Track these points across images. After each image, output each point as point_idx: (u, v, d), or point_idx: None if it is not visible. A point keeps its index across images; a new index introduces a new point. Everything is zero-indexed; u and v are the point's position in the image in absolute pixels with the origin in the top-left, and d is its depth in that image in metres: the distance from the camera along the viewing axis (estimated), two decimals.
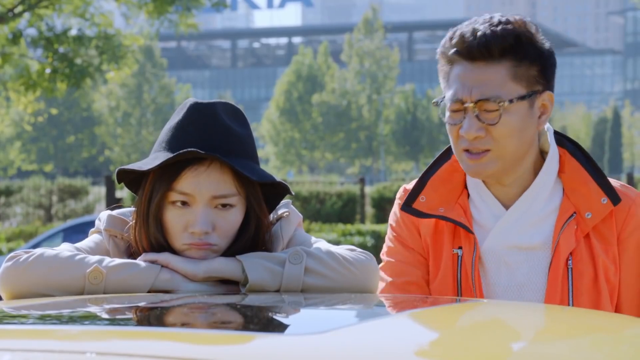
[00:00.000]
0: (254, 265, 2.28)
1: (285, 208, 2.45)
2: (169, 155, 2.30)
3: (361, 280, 2.33)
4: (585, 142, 78.84)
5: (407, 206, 2.69)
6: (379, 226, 20.84)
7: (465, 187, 2.69)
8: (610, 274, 2.58)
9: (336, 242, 17.70)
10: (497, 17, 2.52)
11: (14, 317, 1.99)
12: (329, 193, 23.60)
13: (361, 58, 67.56)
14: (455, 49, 2.52)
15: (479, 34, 2.49)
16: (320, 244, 2.40)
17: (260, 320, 1.96)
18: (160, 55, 69.68)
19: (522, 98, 2.51)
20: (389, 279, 2.72)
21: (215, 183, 2.31)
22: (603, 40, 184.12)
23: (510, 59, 2.50)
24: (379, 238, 19.91)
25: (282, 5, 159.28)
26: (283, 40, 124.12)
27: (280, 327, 1.89)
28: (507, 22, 2.51)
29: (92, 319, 2.00)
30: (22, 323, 1.92)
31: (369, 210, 23.80)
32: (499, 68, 2.50)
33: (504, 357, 1.61)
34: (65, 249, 2.35)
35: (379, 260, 2.71)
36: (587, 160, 2.64)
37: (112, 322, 1.95)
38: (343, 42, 72.70)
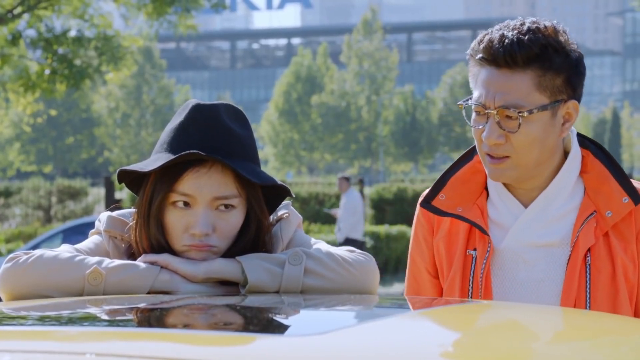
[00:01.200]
0: (254, 267, 2.28)
1: (285, 209, 2.45)
2: (171, 156, 2.30)
3: (361, 281, 2.33)
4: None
5: (427, 203, 2.71)
6: (377, 227, 20.85)
7: (485, 188, 2.72)
8: (629, 272, 2.61)
9: (335, 244, 17.69)
10: (527, 24, 2.53)
11: (13, 318, 1.98)
12: (328, 194, 23.61)
13: (360, 59, 67.56)
14: (481, 55, 2.54)
15: (506, 41, 2.50)
16: (320, 245, 2.40)
17: (260, 322, 1.96)
18: (159, 56, 69.69)
19: (544, 108, 2.53)
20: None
21: (217, 184, 2.31)
22: (602, 41, 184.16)
23: (535, 68, 2.51)
24: (378, 239, 19.91)
25: (281, 6, 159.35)
26: (282, 42, 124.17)
27: (280, 328, 1.89)
28: (537, 30, 2.52)
29: (91, 320, 2.00)
30: (22, 324, 1.92)
31: (368, 211, 23.80)
32: (523, 77, 2.51)
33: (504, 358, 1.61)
34: (64, 250, 2.35)
35: (378, 262, 2.73)
36: (609, 161, 2.67)
37: (112, 323, 1.95)
38: (342, 43, 72.68)
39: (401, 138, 69.36)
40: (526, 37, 2.50)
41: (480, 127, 2.56)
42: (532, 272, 2.63)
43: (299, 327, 1.90)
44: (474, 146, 2.70)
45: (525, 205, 2.65)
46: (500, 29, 2.54)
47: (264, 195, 2.39)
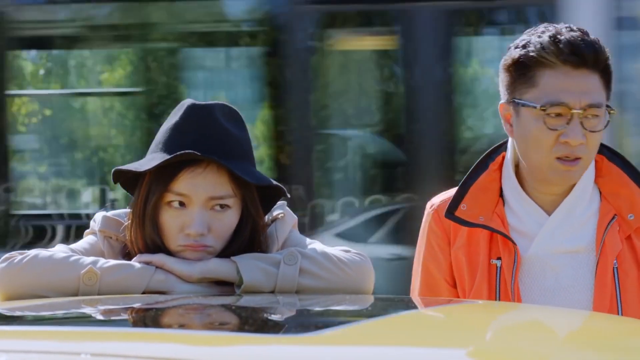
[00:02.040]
0: (249, 266, 2.27)
1: (281, 209, 2.45)
2: (166, 156, 2.29)
3: (356, 281, 2.33)
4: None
5: (451, 214, 2.69)
6: None
7: (500, 195, 2.71)
8: None
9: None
10: (577, 28, 2.58)
11: (8, 318, 1.98)
12: None
13: None
14: (565, 55, 2.53)
15: (587, 40, 2.54)
16: (316, 245, 2.40)
17: (255, 322, 1.96)
18: None
19: (610, 108, 2.58)
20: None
21: (212, 185, 2.31)
22: None
23: (602, 70, 2.56)
24: None
25: None
26: None
27: (275, 328, 1.89)
28: (587, 33, 2.57)
29: (86, 320, 2.00)
30: (17, 324, 1.92)
31: None
32: (597, 77, 2.55)
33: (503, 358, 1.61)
34: (59, 250, 2.35)
35: (373, 261, 2.72)
36: (625, 165, 2.69)
37: (107, 323, 1.95)
38: None
39: None
40: (592, 38, 2.55)
41: (559, 129, 2.54)
42: (559, 279, 2.64)
43: (294, 327, 1.90)
44: (487, 154, 2.70)
45: (547, 212, 2.65)
46: (570, 30, 2.55)
47: (259, 195, 2.38)
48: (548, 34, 2.55)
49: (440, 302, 2.44)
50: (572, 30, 2.56)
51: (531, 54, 2.55)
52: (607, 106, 2.57)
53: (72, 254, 2.31)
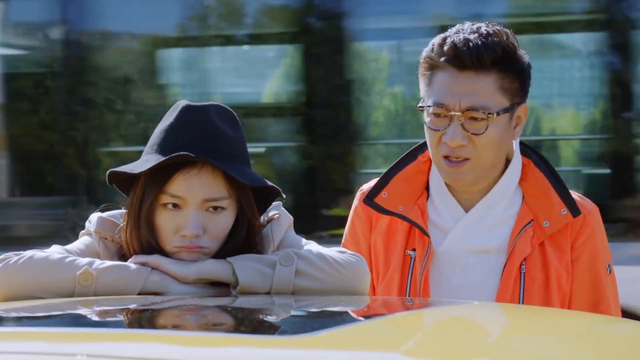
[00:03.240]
0: (245, 267, 2.27)
1: (276, 210, 2.45)
2: (161, 158, 2.29)
3: (352, 282, 2.33)
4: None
5: (369, 199, 2.72)
6: None
7: (426, 189, 2.73)
8: (562, 281, 2.64)
9: None
10: (484, 28, 2.57)
11: (4, 319, 1.98)
12: None
13: None
14: (446, 57, 2.55)
15: (471, 44, 2.53)
16: (311, 246, 2.40)
17: (251, 322, 1.96)
18: None
19: (506, 110, 2.57)
20: None
21: (207, 186, 2.31)
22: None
23: (498, 70, 2.55)
24: None
25: None
26: None
27: (271, 329, 1.89)
28: (495, 33, 2.56)
29: (82, 321, 2.00)
30: (13, 325, 1.92)
31: None
32: (488, 79, 2.54)
33: (498, 356, 1.61)
34: (55, 251, 2.35)
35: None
36: (550, 172, 2.70)
37: (103, 324, 1.95)
38: None
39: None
40: (489, 39, 2.54)
41: (441, 129, 2.57)
42: (468, 277, 2.66)
43: (289, 328, 1.91)
44: (418, 145, 2.73)
45: (467, 209, 2.68)
46: (458, 33, 2.56)
47: (254, 195, 2.38)
48: (443, 35, 2.58)
49: (440, 303, 2.45)
50: (473, 31, 2.55)
51: (424, 54, 2.61)
52: (507, 108, 2.55)
53: (68, 255, 2.31)
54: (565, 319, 2.17)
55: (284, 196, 2.39)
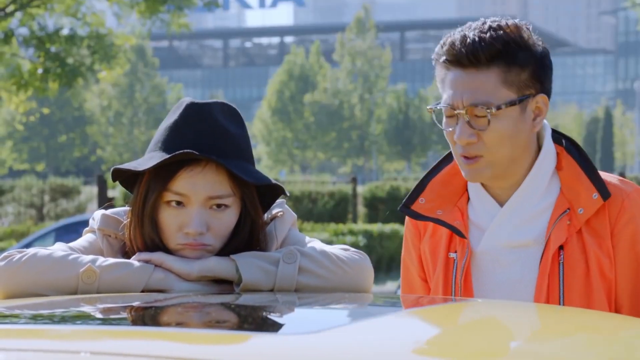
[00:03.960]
0: (248, 265, 2.28)
1: (280, 208, 2.45)
2: (165, 155, 2.30)
3: (355, 279, 2.34)
4: (577, 142, 78.76)
5: (406, 207, 2.72)
6: (371, 225, 20.83)
7: (467, 190, 2.72)
8: (605, 268, 2.60)
9: (328, 242, 17.68)
10: (488, 23, 2.55)
11: (7, 316, 1.98)
12: (321, 192, 23.58)
13: (353, 57, 67.53)
14: (445, 57, 2.56)
15: (467, 41, 2.52)
16: (315, 243, 2.40)
17: (254, 320, 1.96)
18: (152, 54, 69.56)
19: (511, 103, 2.54)
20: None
21: (211, 184, 2.31)
22: (595, 40, 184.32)
23: (499, 64, 2.53)
24: (371, 237, 19.90)
25: (273, 4, 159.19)
26: (275, 40, 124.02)
27: (274, 327, 1.89)
28: (498, 27, 2.54)
29: (85, 318, 2.00)
30: (16, 323, 1.92)
31: (361, 209, 23.78)
32: (488, 74, 2.53)
33: (500, 356, 1.61)
34: (58, 248, 2.35)
35: (373, 260, 2.74)
36: (580, 156, 2.67)
37: (106, 321, 1.95)
38: (335, 41, 72.63)
39: (394, 136, 69.37)
40: (487, 35, 2.52)
41: (451, 129, 2.57)
42: (508, 273, 2.63)
43: (293, 325, 1.91)
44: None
45: (502, 205, 2.65)
46: (461, 30, 2.57)
47: (258, 193, 2.38)
48: (447, 35, 2.58)
49: (440, 300, 2.44)
50: (475, 27, 2.54)
51: (433, 57, 2.62)
52: (513, 101, 2.53)
53: (71, 253, 2.32)
54: (587, 319, 2.17)
55: (288, 194, 2.39)
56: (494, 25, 2.54)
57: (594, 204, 2.59)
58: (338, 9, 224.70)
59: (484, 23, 2.56)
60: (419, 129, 69.62)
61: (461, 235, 2.64)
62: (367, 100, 68.06)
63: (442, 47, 2.57)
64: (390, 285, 18.30)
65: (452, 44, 2.54)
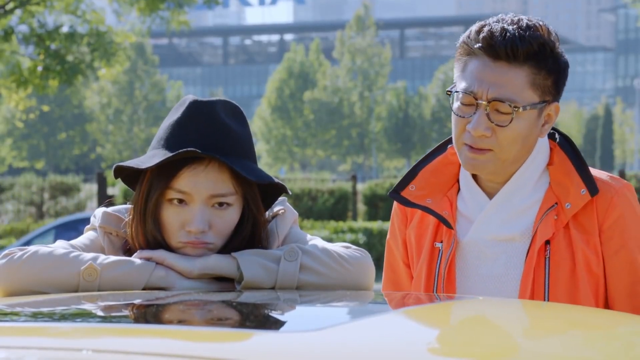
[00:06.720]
0: (249, 263, 2.28)
1: (281, 206, 2.45)
2: (168, 153, 2.29)
3: (356, 277, 2.33)
4: (577, 139, 78.96)
5: (395, 193, 2.72)
6: (370, 223, 20.85)
7: (458, 181, 2.71)
8: (592, 264, 2.60)
9: (328, 240, 17.69)
10: (525, 21, 2.54)
11: (8, 314, 1.98)
12: (321, 190, 23.59)
13: (353, 55, 67.56)
14: (480, 44, 2.53)
15: (507, 35, 2.51)
16: (316, 241, 2.40)
17: (256, 318, 1.96)
18: (151, 52, 69.62)
19: (534, 106, 2.54)
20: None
21: (213, 182, 2.31)
22: (594, 38, 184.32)
23: (531, 65, 2.52)
24: (371, 235, 19.92)
25: (273, 2, 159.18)
26: (275, 37, 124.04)
27: (276, 325, 1.89)
28: (535, 27, 2.53)
29: (86, 316, 2.00)
30: (17, 320, 1.92)
31: (361, 207, 23.80)
32: (519, 72, 2.52)
33: (505, 355, 1.61)
34: (59, 246, 2.35)
35: (373, 258, 2.74)
36: (573, 152, 2.67)
37: (107, 319, 1.95)
38: (335, 39, 72.68)
39: (394, 134, 69.39)
40: (527, 33, 2.51)
41: (466, 117, 2.55)
42: (493, 266, 2.63)
43: (294, 323, 1.90)
44: (449, 138, 2.70)
45: (492, 198, 2.65)
46: (498, 22, 2.54)
47: (260, 191, 2.38)
48: (483, 22, 2.57)
49: (442, 298, 2.44)
50: (512, 22, 2.53)
51: (461, 39, 2.59)
52: (536, 104, 2.53)
53: (72, 250, 2.31)
54: (566, 313, 2.17)
55: (290, 192, 2.39)
56: (531, 24, 2.53)
57: (582, 200, 2.59)
58: (338, 7, 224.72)
59: (520, 20, 2.54)
60: (418, 127, 69.63)
61: (448, 225, 2.65)
62: (366, 97, 68.09)
63: (477, 33, 2.54)
64: None
65: (491, 34, 2.51)
